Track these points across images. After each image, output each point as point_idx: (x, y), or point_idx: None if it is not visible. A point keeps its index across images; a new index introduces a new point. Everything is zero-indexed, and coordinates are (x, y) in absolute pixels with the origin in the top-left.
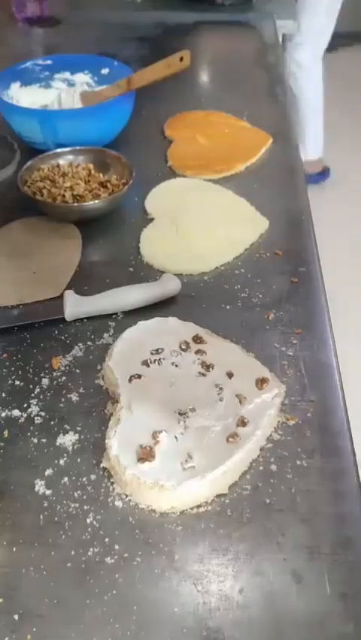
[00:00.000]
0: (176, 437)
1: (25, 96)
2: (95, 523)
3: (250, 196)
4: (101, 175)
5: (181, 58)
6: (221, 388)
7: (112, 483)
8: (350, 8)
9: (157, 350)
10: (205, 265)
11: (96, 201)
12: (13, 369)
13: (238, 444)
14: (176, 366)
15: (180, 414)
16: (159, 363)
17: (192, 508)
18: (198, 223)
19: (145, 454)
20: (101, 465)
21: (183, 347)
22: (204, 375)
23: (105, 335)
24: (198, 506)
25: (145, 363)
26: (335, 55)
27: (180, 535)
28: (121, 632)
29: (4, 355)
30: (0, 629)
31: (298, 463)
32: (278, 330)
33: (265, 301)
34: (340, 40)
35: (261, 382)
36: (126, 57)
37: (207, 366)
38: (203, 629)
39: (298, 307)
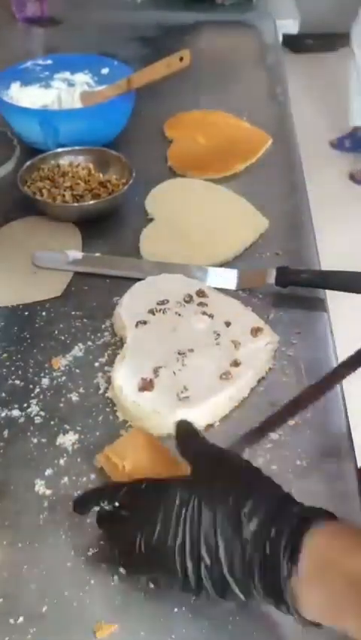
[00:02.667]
0: (174, 372)
1: (25, 96)
2: (95, 523)
3: (250, 196)
4: (101, 175)
5: (181, 58)
6: (218, 334)
7: None
8: (350, 8)
9: (163, 301)
10: (205, 265)
11: (96, 201)
12: (13, 369)
13: (230, 381)
14: (179, 315)
15: (180, 354)
16: (163, 312)
17: None
18: (198, 223)
19: (145, 385)
20: (107, 394)
21: (186, 299)
22: (204, 323)
23: (105, 334)
24: None
25: (151, 311)
26: (336, 55)
27: None
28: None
29: (4, 355)
30: (0, 629)
31: (298, 463)
32: (278, 330)
33: (265, 301)
34: (340, 40)
35: (256, 331)
36: (126, 57)
37: (208, 316)
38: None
39: (298, 307)
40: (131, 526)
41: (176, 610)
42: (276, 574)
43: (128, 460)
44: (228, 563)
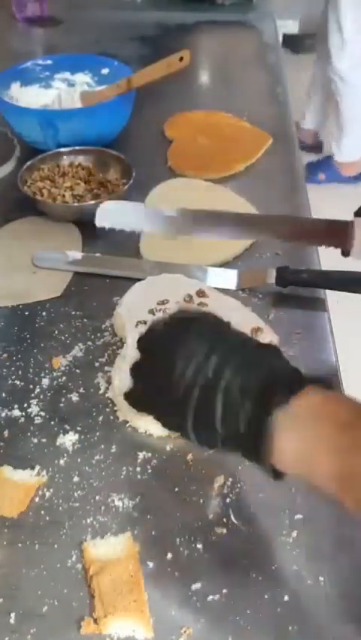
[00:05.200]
0: None
1: (25, 96)
2: (95, 523)
3: (250, 196)
4: (101, 175)
5: (181, 58)
6: None
7: None
8: None
9: (163, 301)
10: (205, 265)
11: (96, 201)
12: (13, 369)
13: None
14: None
15: None
16: (163, 312)
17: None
18: None
19: None
20: (107, 395)
21: (186, 299)
22: None
23: (105, 334)
24: None
25: (151, 311)
26: None
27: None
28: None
29: (4, 355)
30: (0, 629)
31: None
32: (278, 330)
33: (265, 301)
34: None
35: (255, 331)
36: (126, 57)
37: None
38: None
39: (298, 307)
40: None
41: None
42: (264, 412)
43: None
44: (225, 386)
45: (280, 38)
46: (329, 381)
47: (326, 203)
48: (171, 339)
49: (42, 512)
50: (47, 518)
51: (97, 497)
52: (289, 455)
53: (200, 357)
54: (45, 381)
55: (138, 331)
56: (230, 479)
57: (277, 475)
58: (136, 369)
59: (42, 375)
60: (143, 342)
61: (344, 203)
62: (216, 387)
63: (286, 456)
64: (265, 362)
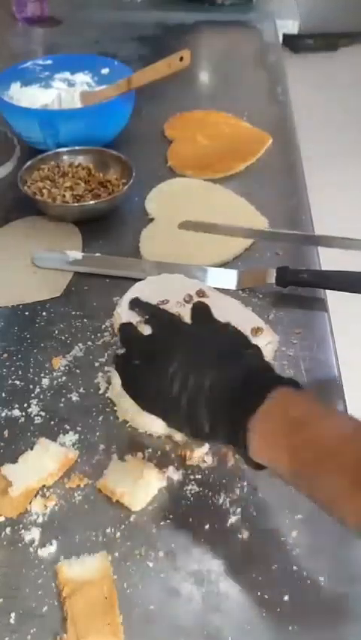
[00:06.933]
0: None
1: (25, 96)
2: (95, 523)
3: (250, 196)
4: (101, 175)
5: (181, 58)
6: None
7: None
8: (351, 8)
9: (163, 301)
10: (205, 265)
11: (96, 201)
12: (13, 369)
13: None
14: (179, 315)
15: None
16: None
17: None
18: None
19: None
20: (107, 395)
21: (186, 299)
22: None
23: (105, 334)
24: None
25: None
26: (336, 55)
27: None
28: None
29: (4, 355)
30: (0, 629)
31: None
32: (278, 330)
33: (265, 301)
34: (340, 40)
35: (256, 331)
36: (126, 57)
37: None
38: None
39: (298, 307)
40: (143, 372)
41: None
42: (241, 410)
43: None
44: (207, 397)
45: (280, 38)
46: (296, 382)
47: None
48: (158, 348)
49: (42, 512)
50: (47, 518)
51: (97, 497)
52: (258, 450)
53: (185, 369)
54: (45, 381)
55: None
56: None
57: (258, 466)
58: (125, 365)
59: (42, 375)
60: (131, 342)
61: (345, 203)
62: (200, 397)
63: (256, 450)
64: (242, 365)
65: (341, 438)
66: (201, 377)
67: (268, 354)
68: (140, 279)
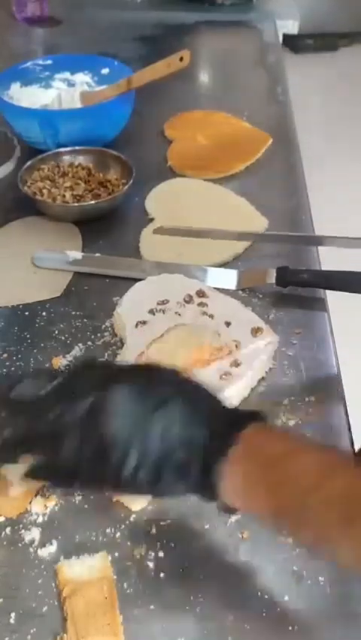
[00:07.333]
0: None
1: (25, 96)
2: (95, 523)
3: (250, 196)
4: (101, 175)
5: (181, 58)
6: (219, 334)
7: None
8: (351, 8)
9: (163, 301)
10: (205, 265)
11: (96, 201)
12: (13, 369)
13: (230, 381)
14: (179, 315)
15: None
16: (163, 312)
17: None
18: (198, 223)
19: None
20: None
21: (186, 299)
22: (204, 323)
23: (105, 334)
24: None
25: (151, 311)
26: (336, 55)
27: None
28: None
29: (4, 355)
30: (0, 629)
31: None
32: (278, 330)
33: (265, 301)
34: (340, 40)
35: (256, 331)
36: (126, 57)
37: (208, 316)
38: None
39: (298, 307)
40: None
41: (187, 608)
42: (211, 457)
43: None
44: (175, 458)
45: (280, 38)
46: (265, 416)
47: (327, 202)
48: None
49: (42, 512)
50: (47, 518)
51: (98, 497)
52: (231, 493)
53: (143, 433)
54: None
55: (138, 331)
56: None
57: (229, 510)
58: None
59: None
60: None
61: (345, 203)
62: (170, 459)
63: (229, 494)
64: (204, 415)
65: (322, 473)
66: (167, 449)
67: (267, 354)
68: (140, 279)
